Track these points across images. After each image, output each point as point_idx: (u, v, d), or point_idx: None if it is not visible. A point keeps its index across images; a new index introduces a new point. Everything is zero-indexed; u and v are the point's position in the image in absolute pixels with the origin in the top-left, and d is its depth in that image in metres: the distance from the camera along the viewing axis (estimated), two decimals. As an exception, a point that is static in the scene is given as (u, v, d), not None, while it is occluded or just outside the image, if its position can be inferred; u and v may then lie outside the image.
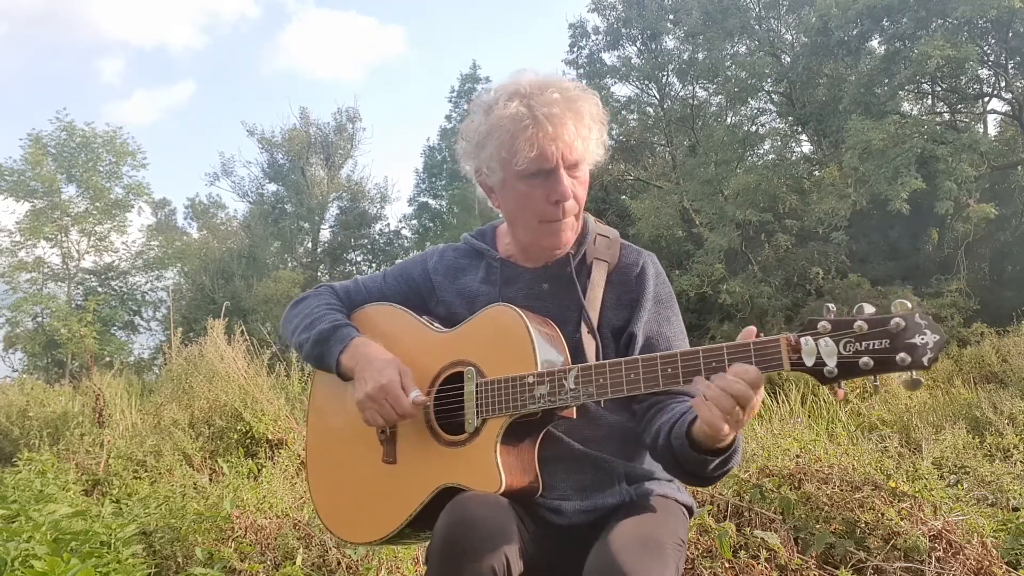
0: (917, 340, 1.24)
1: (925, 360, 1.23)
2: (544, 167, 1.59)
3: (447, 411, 1.66)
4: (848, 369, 1.28)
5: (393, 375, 1.65)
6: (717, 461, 1.45)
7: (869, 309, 1.28)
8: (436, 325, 1.78)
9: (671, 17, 25.30)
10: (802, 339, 1.31)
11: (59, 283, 28.02)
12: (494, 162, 1.63)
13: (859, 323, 1.27)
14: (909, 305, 1.25)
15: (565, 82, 1.63)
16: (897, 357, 1.24)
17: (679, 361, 1.42)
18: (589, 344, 1.65)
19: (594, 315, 1.69)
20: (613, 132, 25.77)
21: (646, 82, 26.67)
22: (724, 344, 1.38)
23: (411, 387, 1.65)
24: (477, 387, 1.60)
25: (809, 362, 1.30)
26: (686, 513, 1.72)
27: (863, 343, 1.27)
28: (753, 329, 1.37)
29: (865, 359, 1.26)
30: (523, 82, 1.61)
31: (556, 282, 1.73)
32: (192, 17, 56.42)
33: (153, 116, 54.51)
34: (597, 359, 1.63)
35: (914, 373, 1.25)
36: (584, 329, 1.67)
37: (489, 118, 1.61)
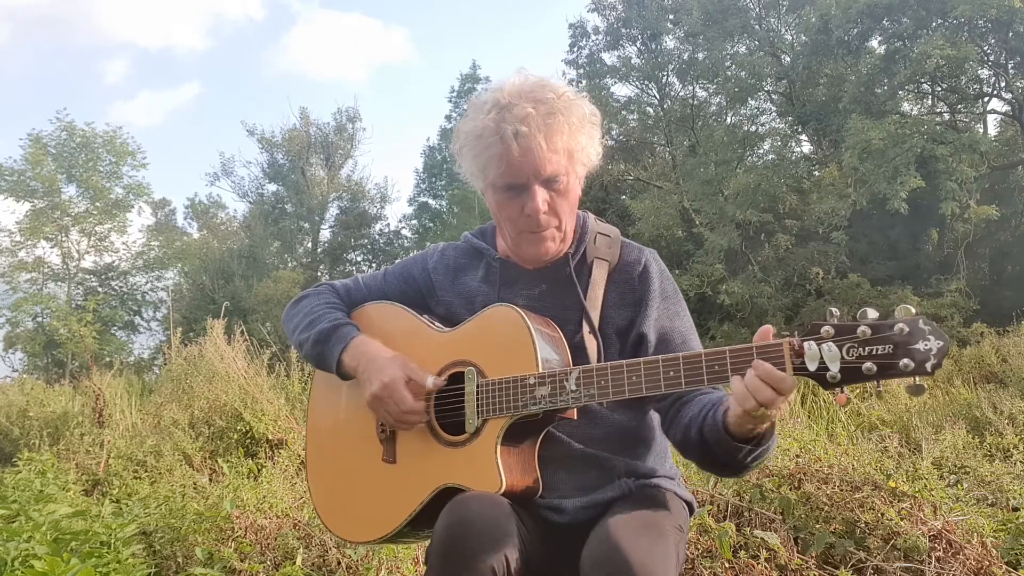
0: (920, 346, 1.23)
1: (928, 366, 1.22)
2: (514, 183, 1.59)
3: (448, 411, 1.65)
4: (851, 374, 1.27)
5: (396, 372, 1.64)
6: (758, 450, 1.44)
7: (872, 314, 1.27)
8: (437, 324, 1.77)
9: (671, 17, 25.30)
10: (805, 343, 1.30)
11: (59, 283, 28.03)
12: (474, 168, 1.64)
13: (862, 328, 1.26)
14: (913, 310, 1.25)
15: (548, 90, 1.58)
16: (900, 363, 1.23)
17: (681, 365, 1.42)
18: (591, 344, 1.65)
19: (595, 315, 1.68)
20: (613, 132, 25.78)
21: (646, 82, 26.66)
22: (727, 348, 1.37)
23: (422, 375, 1.65)
24: (478, 387, 1.60)
25: (812, 367, 1.29)
26: (686, 507, 1.72)
27: (866, 348, 1.26)
28: (770, 328, 1.36)
29: (868, 364, 1.25)
30: (506, 90, 1.59)
31: (555, 282, 1.72)
32: (197, 19, 56.56)
33: (158, 117, 54.57)
34: (599, 359, 1.63)
35: (917, 379, 1.24)
36: (585, 329, 1.66)
37: (469, 126, 1.61)
